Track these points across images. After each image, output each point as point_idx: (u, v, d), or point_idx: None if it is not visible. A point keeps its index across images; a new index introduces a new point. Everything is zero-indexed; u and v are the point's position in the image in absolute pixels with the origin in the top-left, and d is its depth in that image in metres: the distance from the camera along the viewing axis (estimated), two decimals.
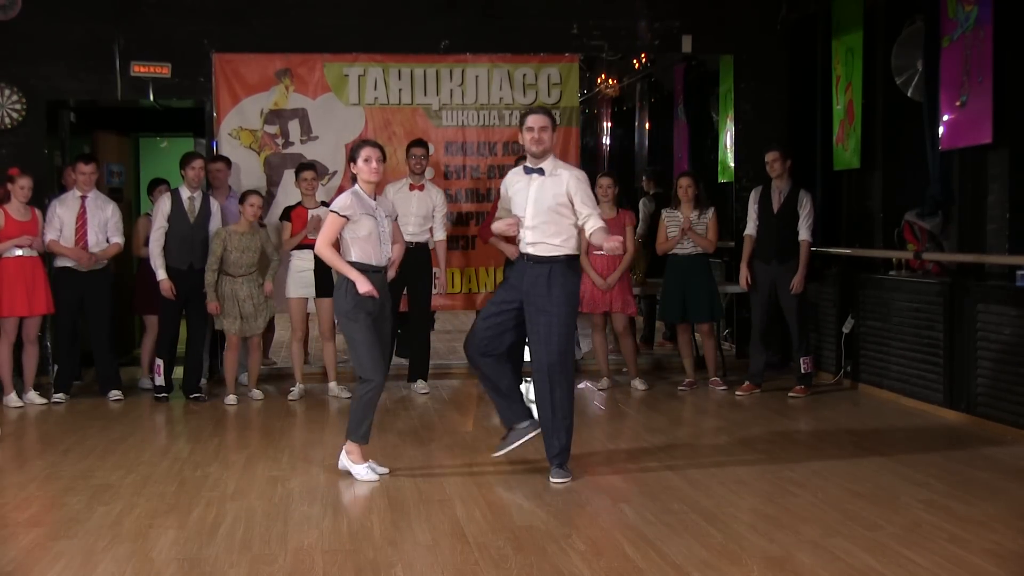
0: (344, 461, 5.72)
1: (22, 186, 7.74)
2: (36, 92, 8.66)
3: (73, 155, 9.43)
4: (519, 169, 5.82)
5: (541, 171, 5.65)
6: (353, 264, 5.62)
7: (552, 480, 5.53)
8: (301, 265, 7.97)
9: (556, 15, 9.15)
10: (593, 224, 5.57)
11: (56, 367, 8.22)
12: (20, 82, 8.60)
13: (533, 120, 5.67)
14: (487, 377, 5.84)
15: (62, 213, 7.92)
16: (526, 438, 5.82)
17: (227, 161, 8.58)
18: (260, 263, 7.93)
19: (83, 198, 7.98)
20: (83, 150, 9.91)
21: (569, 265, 5.64)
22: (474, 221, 9.06)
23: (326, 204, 7.32)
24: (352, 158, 5.77)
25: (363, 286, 5.54)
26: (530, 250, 5.65)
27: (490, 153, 9.15)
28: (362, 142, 5.89)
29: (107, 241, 8.05)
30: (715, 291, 8.27)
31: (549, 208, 5.58)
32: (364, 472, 5.63)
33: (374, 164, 5.70)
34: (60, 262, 7.99)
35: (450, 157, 9.14)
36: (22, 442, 6.83)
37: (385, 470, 5.74)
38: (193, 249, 7.93)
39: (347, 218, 5.59)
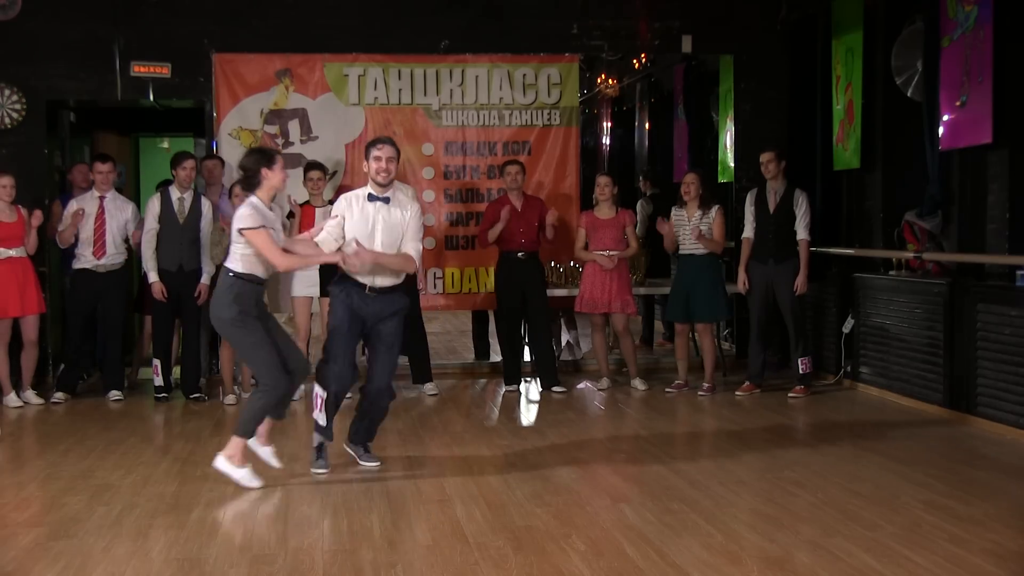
0: (221, 464, 5.46)
1: (3, 185, 7.57)
2: (36, 92, 8.65)
3: (73, 155, 9.44)
4: (359, 194, 5.65)
5: (387, 200, 5.59)
6: (240, 275, 5.36)
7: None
8: None
9: (556, 15, 9.15)
10: (407, 249, 5.59)
11: (62, 366, 8.21)
12: (20, 82, 8.60)
13: (383, 150, 5.58)
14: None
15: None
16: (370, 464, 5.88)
17: (221, 159, 8.58)
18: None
19: (101, 199, 7.95)
20: (83, 150, 9.93)
21: (408, 286, 5.65)
22: (474, 221, 9.05)
23: (332, 203, 7.31)
24: (266, 164, 5.43)
25: (353, 261, 5.39)
26: (376, 283, 5.58)
27: (490, 153, 9.14)
28: (270, 151, 5.64)
29: (126, 242, 8.04)
30: (722, 292, 8.17)
31: (396, 240, 5.57)
32: (245, 476, 5.45)
33: (283, 175, 5.52)
34: (78, 263, 7.97)
35: (450, 157, 9.13)
36: (22, 442, 6.83)
37: (277, 464, 5.66)
38: (183, 250, 7.87)
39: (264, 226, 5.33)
